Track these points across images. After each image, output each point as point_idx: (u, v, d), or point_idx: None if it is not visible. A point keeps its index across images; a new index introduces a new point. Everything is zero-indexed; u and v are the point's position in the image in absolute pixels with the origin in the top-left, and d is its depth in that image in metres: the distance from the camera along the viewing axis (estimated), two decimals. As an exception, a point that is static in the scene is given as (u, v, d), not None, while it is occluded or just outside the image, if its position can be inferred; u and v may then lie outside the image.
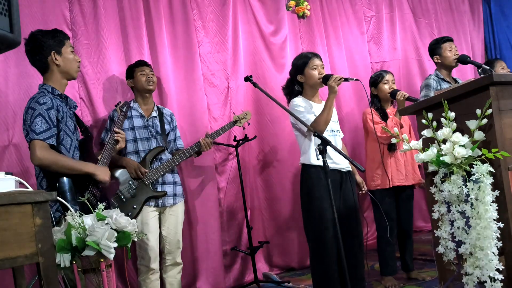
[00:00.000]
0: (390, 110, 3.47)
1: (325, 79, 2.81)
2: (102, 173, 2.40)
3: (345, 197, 2.85)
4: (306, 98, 2.95)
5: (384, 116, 3.40)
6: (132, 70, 3.16)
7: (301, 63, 2.93)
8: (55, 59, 2.38)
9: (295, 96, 2.95)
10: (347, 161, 2.88)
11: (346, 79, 2.76)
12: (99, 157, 2.59)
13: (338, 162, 2.83)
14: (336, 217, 2.33)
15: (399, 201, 3.40)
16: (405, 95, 3.31)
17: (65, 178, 2.29)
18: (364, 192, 3.19)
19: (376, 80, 3.46)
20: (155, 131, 3.11)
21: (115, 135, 2.72)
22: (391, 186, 3.29)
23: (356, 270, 2.77)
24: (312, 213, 2.79)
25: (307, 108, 2.86)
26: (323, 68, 2.92)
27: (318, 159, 2.39)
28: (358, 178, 3.24)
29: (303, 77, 2.93)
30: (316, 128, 2.76)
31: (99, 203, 2.00)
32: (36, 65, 2.43)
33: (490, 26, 5.74)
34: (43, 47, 2.36)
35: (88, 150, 2.61)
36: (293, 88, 2.98)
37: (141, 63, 3.18)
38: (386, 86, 3.42)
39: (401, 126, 3.34)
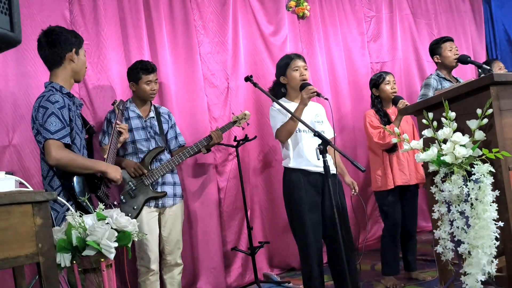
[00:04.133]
0: (392, 110, 3.46)
1: (302, 87, 2.72)
2: (113, 171, 2.38)
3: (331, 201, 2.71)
4: (290, 100, 2.90)
5: (386, 118, 3.39)
6: (138, 76, 3.04)
7: (283, 64, 2.88)
8: (74, 56, 2.34)
9: (280, 98, 2.91)
10: (331, 164, 2.81)
11: (318, 94, 2.65)
12: (106, 150, 2.56)
13: (319, 164, 2.56)
14: (337, 217, 2.32)
15: (404, 200, 3.38)
16: (407, 104, 3.29)
17: (78, 177, 2.27)
18: (355, 194, 3.04)
19: (377, 81, 3.44)
20: (153, 131, 3.10)
21: (117, 127, 2.67)
22: (394, 186, 3.29)
23: (350, 276, 2.71)
24: (293, 216, 2.76)
25: (280, 117, 2.79)
26: (305, 69, 2.85)
27: (318, 159, 2.37)
28: (348, 179, 3.04)
29: (286, 79, 2.88)
30: (277, 138, 2.80)
31: (108, 201, 1.98)
32: (48, 57, 2.32)
33: (490, 26, 5.74)
34: (66, 42, 2.31)
35: (93, 149, 2.59)
36: (279, 90, 2.93)
37: (148, 69, 3.04)
38: (388, 87, 3.41)
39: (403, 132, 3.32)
